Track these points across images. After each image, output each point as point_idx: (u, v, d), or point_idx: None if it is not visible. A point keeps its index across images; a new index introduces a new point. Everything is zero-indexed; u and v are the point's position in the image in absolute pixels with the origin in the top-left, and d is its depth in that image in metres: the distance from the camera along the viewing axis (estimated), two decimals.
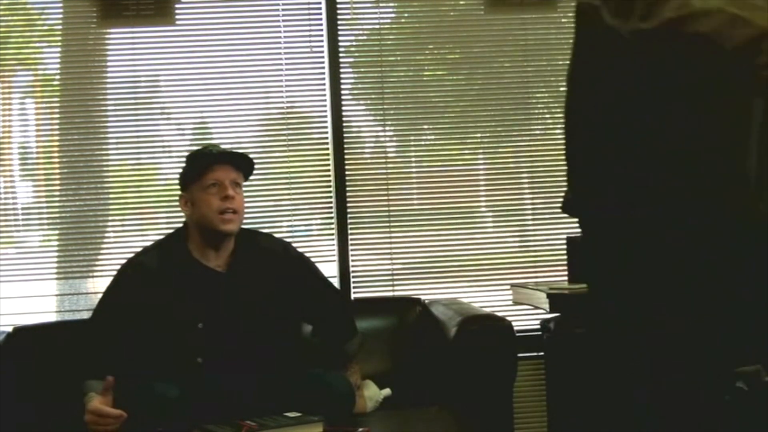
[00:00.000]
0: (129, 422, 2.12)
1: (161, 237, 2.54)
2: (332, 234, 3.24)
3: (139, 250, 2.48)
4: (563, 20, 3.42)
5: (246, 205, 3.14)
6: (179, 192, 2.46)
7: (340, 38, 3.28)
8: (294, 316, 2.49)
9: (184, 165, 2.47)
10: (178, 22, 3.24)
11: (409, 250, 3.31)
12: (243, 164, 2.38)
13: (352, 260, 3.25)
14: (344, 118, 3.28)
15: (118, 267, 3.02)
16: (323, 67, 3.27)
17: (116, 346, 2.26)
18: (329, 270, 3.25)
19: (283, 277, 2.42)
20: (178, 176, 2.49)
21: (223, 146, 2.47)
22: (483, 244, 3.34)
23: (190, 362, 2.24)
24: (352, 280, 3.23)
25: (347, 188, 3.26)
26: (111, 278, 2.46)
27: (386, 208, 3.30)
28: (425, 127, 3.38)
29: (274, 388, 2.22)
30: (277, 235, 2.57)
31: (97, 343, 2.30)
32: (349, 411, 2.27)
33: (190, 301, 2.26)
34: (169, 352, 2.24)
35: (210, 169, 2.33)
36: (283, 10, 3.28)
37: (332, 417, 2.09)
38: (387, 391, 2.49)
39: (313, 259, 2.65)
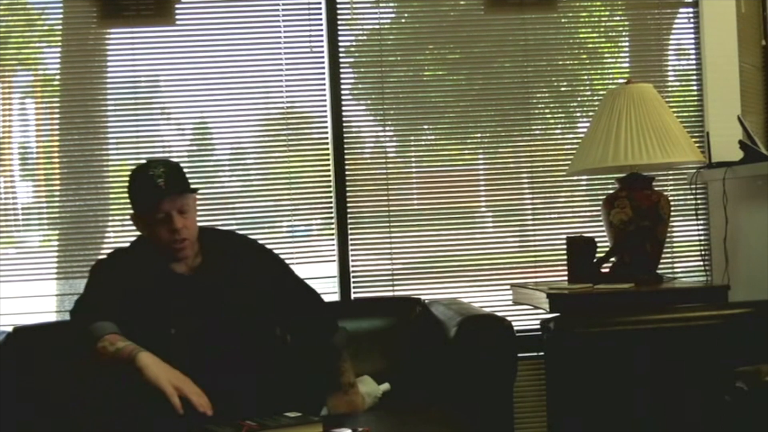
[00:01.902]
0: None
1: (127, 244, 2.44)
2: (332, 234, 3.25)
3: (110, 251, 2.41)
4: (563, 20, 3.42)
5: (246, 205, 3.17)
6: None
7: (340, 38, 3.28)
8: (268, 312, 2.41)
9: (128, 187, 2.29)
10: (178, 22, 3.24)
11: (409, 250, 3.31)
12: (188, 187, 2.28)
13: (352, 260, 3.26)
14: (344, 118, 3.28)
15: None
16: (323, 67, 3.27)
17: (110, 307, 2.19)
18: (329, 270, 3.25)
19: (252, 272, 2.36)
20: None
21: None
22: (483, 244, 3.34)
23: (162, 337, 2.20)
24: (352, 280, 3.24)
25: (347, 188, 3.26)
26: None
27: (386, 208, 3.30)
28: (425, 127, 3.39)
29: (256, 387, 2.20)
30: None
31: (91, 302, 2.22)
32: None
33: (160, 307, 2.23)
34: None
35: (156, 205, 2.21)
36: (283, 10, 3.28)
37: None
38: (386, 386, 2.47)
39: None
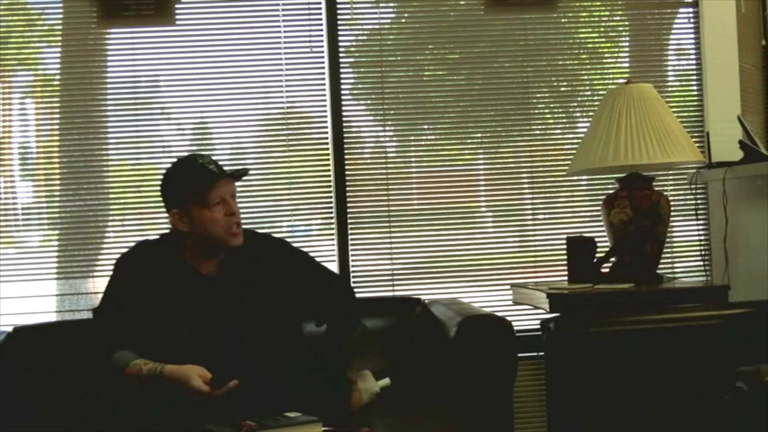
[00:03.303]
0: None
1: (154, 237, 2.44)
2: (332, 234, 3.25)
3: (133, 245, 2.40)
4: (563, 20, 3.42)
5: (246, 205, 3.17)
6: (166, 209, 2.29)
7: (340, 38, 3.28)
8: (293, 311, 2.43)
9: (171, 180, 2.30)
10: (178, 22, 3.24)
11: (409, 250, 3.31)
12: (241, 170, 2.35)
13: (352, 260, 3.26)
14: (344, 118, 3.28)
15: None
16: (323, 67, 3.27)
17: (132, 322, 2.22)
18: None
19: (277, 270, 2.37)
20: (160, 190, 2.32)
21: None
22: (483, 244, 3.34)
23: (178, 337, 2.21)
24: (352, 280, 3.23)
25: (347, 188, 3.26)
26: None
27: (386, 208, 3.30)
28: (425, 127, 3.39)
29: (273, 388, 2.20)
30: (276, 235, 2.53)
31: (113, 320, 2.24)
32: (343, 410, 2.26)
33: (184, 308, 2.24)
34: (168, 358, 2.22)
35: (213, 186, 2.24)
36: (283, 10, 3.28)
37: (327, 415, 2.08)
38: (385, 382, 2.44)
39: None
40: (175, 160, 2.36)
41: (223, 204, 2.25)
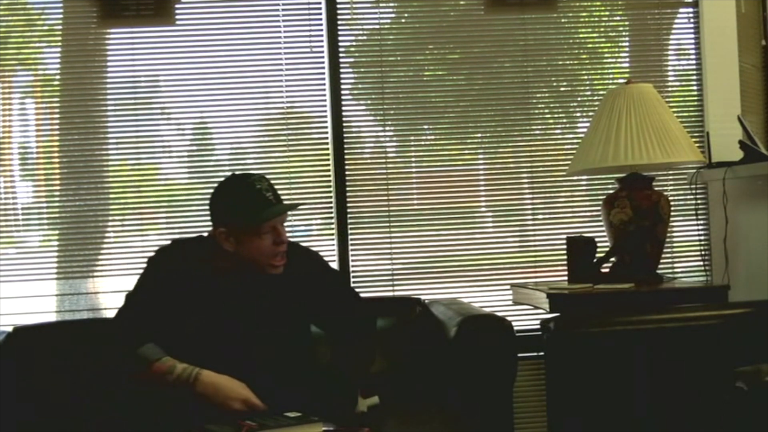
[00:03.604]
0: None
1: (191, 237, 2.37)
2: (332, 234, 3.25)
3: (171, 242, 2.35)
4: (563, 20, 3.42)
5: None
6: (212, 222, 2.22)
7: (340, 38, 3.28)
8: (308, 320, 2.41)
9: (223, 200, 2.20)
10: (178, 22, 3.24)
11: (409, 250, 3.31)
12: (293, 203, 2.28)
13: (352, 260, 3.26)
14: (344, 118, 3.28)
15: (120, 266, 3.03)
16: (323, 67, 3.27)
17: (160, 318, 2.19)
18: None
19: (302, 285, 2.31)
20: (209, 203, 2.22)
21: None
22: (483, 244, 3.34)
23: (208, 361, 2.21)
24: (352, 280, 3.23)
25: (347, 188, 3.26)
26: (133, 274, 2.31)
27: (386, 208, 3.30)
28: (425, 127, 3.39)
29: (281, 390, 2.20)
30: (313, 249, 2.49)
31: (141, 311, 2.20)
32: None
33: (206, 314, 2.21)
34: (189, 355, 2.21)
35: (268, 219, 2.18)
36: (283, 10, 3.28)
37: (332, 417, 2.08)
38: (374, 400, 2.40)
39: None
40: (228, 174, 2.26)
41: (272, 232, 2.19)
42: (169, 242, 2.36)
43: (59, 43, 3.25)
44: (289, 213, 2.31)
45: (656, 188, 2.96)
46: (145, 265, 2.29)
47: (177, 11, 3.23)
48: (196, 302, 2.21)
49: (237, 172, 2.26)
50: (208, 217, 2.24)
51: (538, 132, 3.39)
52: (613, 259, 2.91)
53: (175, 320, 2.19)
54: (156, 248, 2.32)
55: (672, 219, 3.05)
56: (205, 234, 2.31)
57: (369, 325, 2.44)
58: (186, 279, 2.23)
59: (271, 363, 2.22)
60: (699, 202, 3.31)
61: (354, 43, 3.37)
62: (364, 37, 3.38)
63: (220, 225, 2.19)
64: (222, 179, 2.24)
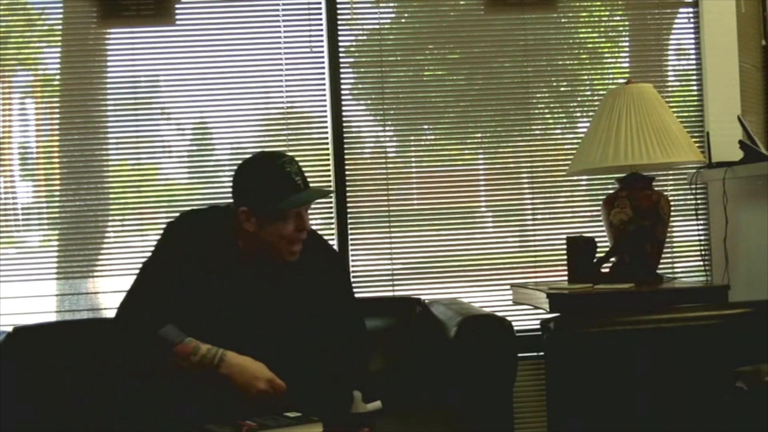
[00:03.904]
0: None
1: (213, 207, 2.28)
2: (332, 234, 3.24)
3: (186, 213, 2.27)
4: (563, 20, 3.42)
5: None
6: (233, 200, 2.16)
7: (340, 38, 3.28)
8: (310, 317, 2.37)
9: (249, 180, 2.13)
10: (178, 22, 3.24)
11: (409, 250, 3.31)
12: (324, 189, 2.22)
13: (352, 260, 3.26)
14: (344, 118, 3.28)
15: (120, 266, 3.01)
16: (323, 67, 3.27)
17: (177, 293, 2.12)
18: None
19: (321, 285, 2.26)
20: (233, 178, 2.16)
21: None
22: (483, 244, 3.34)
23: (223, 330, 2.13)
24: (352, 280, 3.23)
25: (347, 188, 3.26)
26: (133, 274, 2.22)
27: (386, 208, 3.30)
28: (425, 127, 3.39)
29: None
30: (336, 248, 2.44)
31: (162, 290, 2.14)
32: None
33: (224, 295, 2.16)
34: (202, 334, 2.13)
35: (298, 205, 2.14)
36: (283, 10, 3.28)
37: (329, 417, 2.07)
38: (376, 405, 2.36)
39: None
40: (256, 152, 2.20)
41: (296, 218, 2.13)
42: (187, 210, 2.28)
43: (59, 43, 3.25)
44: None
45: (656, 188, 2.96)
46: (162, 233, 2.21)
47: (177, 11, 3.23)
48: (215, 282, 2.15)
49: (266, 150, 2.17)
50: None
51: (538, 132, 3.39)
52: (613, 259, 2.91)
53: (193, 300, 2.13)
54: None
55: (672, 219, 3.05)
56: (221, 205, 2.25)
57: (361, 328, 2.38)
58: (207, 255, 2.15)
59: (286, 351, 2.17)
60: (699, 202, 3.31)
61: (354, 43, 3.37)
62: (364, 37, 3.38)
63: (243, 204, 2.12)
64: (249, 156, 2.16)
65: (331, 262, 2.34)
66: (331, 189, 2.18)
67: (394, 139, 3.36)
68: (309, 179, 2.19)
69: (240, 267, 2.19)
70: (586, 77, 3.46)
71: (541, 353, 2.60)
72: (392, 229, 3.30)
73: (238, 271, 2.19)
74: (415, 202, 3.34)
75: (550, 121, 3.43)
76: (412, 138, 3.37)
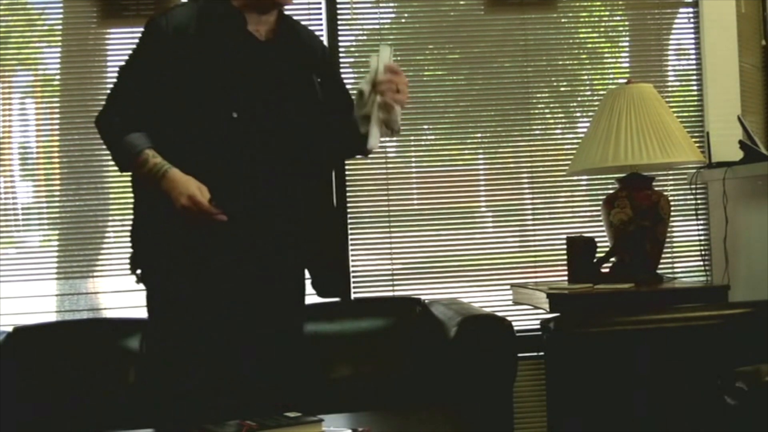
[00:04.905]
0: None
1: None
2: None
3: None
4: (563, 20, 3.42)
5: None
6: None
7: (340, 38, 3.28)
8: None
9: None
10: None
11: (409, 250, 3.31)
12: None
13: (352, 260, 3.25)
14: None
15: (120, 266, 3.01)
16: None
17: (159, 98, 2.03)
18: None
19: (318, 65, 2.17)
20: None
21: None
22: (483, 244, 3.34)
23: (224, 119, 2.02)
24: (352, 280, 3.23)
25: (347, 188, 3.26)
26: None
27: (386, 208, 3.30)
28: (425, 127, 3.39)
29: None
30: None
31: (134, 91, 2.06)
32: None
33: (225, 65, 2.03)
34: (202, 109, 2.02)
35: None
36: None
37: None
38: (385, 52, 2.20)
39: None
40: None
41: None
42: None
43: (59, 43, 3.25)
44: None
45: (656, 188, 2.96)
46: (144, 28, 2.10)
47: None
48: (214, 69, 2.02)
49: None
50: None
51: (538, 132, 3.39)
52: (613, 259, 2.91)
53: (188, 99, 2.02)
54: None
55: (672, 219, 3.05)
56: None
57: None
58: (200, 36, 2.03)
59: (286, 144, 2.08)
60: (699, 202, 3.31)
61: (354, 43, 3.37)
62: (364, 37, 3.38)
63: None
64: None
65: (319, 42, 2.27)
66: None
67: (394, 139, 3.36)
68: None
69: (245, 40, 2.07)
70: (586, 77, 3.46)
71: (541, 353, 2.60)
72: (392, 229, 3.30)
73: (244, 45, 2.07)
74: (415, 202, 3.34)
75: (550, 121, 3.43)
76: (412, 138, 3.37)
